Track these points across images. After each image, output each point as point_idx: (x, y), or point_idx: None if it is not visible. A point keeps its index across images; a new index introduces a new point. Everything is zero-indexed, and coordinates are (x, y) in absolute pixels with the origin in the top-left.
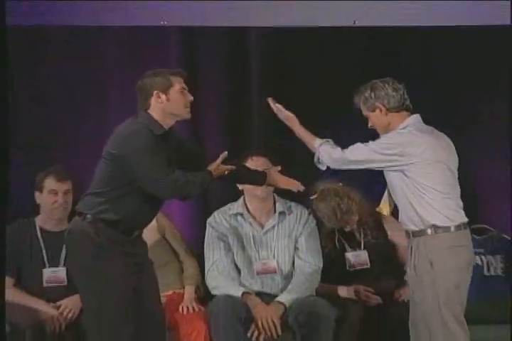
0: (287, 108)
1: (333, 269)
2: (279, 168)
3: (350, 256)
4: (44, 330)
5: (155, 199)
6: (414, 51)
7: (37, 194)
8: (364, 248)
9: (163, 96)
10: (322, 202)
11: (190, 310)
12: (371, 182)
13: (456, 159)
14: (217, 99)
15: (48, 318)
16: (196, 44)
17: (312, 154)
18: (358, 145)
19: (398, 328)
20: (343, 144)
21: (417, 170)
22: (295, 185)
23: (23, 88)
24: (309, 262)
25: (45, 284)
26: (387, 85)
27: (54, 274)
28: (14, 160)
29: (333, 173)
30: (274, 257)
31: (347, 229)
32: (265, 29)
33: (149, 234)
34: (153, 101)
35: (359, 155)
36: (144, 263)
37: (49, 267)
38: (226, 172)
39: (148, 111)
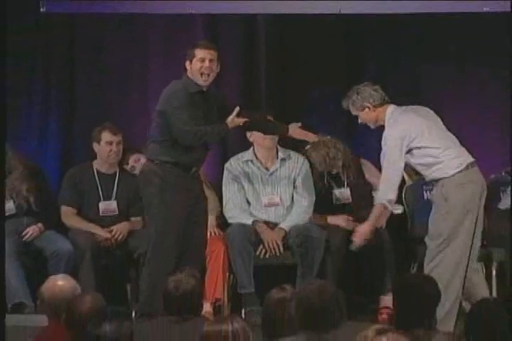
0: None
1: (323, 203)
2: (299, 124)
3: (336, 192)
4: (99, 249)
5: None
6: (417, 37)
7: (95, 144)
8: (347, 186)
9: (189, 66)
10: (314, 151)
11: (213, 234)
12: (352, 136)
13: (438, 119)
14: (234, 70)
15: (102, 240)
16: (216, 26)
17: (302, 109)
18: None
19: (372, 247)
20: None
21: (416, 143)
22: (311, 137)
23: (83, 65)
24: (305, 197)
25: (101, 214)
26: (367, 88)
27: (107, 206)
28: (76, 120)
29: (323, 129)
30: (277, 193)
31: (334, 172)
32: (270, 15)
33: None
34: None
35: (387, 162)
36: (199, 195)
37: (103, 201)
38: (241, 124)
39: (187, 73)
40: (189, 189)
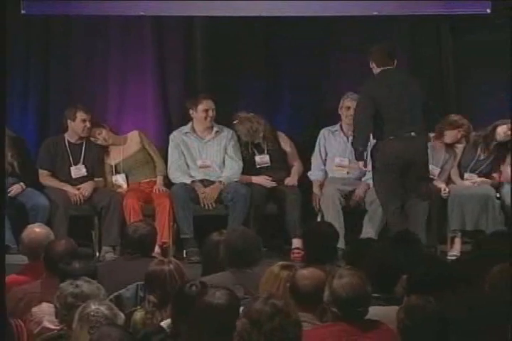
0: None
1: (248, 166)
2: None
3: (258, 158)
4: (70, 203)
5: None
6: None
7: (69, 121)
8: (266, 153)
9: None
10: (241, 125)
11: (161, 190)
12: (271, 113)
13: None
14: (180, 63)
15: (72, 195)
16: (163, 25)
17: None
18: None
19: (284, 199)
20: None
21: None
22: None
23: (56, 55)
24: (235, 161)
25: (72, 176)
26: None
27: (77, 169)
28: (50, 100)
29: (249, 108)
30: (210, 158)
31: (256, 141)
32: (204, 17)
33: (134, 145)
34: None
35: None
36: None
37: (73, 165)
38: None
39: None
40: None
